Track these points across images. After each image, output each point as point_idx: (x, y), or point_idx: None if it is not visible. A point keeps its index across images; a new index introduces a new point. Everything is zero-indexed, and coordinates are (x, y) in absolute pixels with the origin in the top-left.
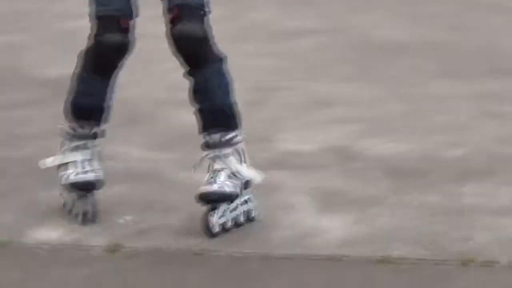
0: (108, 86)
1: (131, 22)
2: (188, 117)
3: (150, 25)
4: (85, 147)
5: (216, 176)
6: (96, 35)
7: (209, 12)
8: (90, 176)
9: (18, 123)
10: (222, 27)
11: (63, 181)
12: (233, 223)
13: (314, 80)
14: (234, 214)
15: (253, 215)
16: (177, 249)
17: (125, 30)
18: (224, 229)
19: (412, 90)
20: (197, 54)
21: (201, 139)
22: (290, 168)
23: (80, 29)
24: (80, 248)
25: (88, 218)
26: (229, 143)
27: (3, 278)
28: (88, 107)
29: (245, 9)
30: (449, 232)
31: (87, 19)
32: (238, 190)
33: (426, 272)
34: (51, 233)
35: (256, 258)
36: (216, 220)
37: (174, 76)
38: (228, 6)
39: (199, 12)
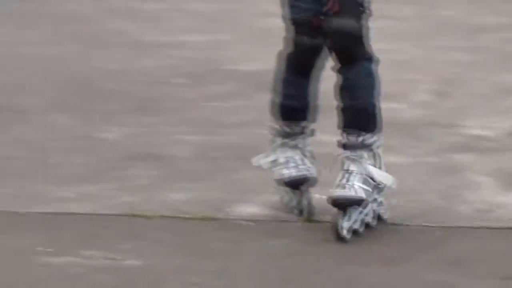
0: (312, 86)
1: (322, 20)
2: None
3: None
4: (295, 146)
5: (348, 178)
6: (292, 39)
7: (370, 13)
8: (302, 173)
9: (220, 113)
10: (412, 24)
11: (276, 177)
12: (362, 226)
13: (499, 71)
14: (363, 216)
15: (384, 217)
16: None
17: (318, 29)
18: (354, 233)
19: None
20: (351, 52)
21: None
22: (474, 151)
23: (273, 27)
24: (279, 221)
25: (304, 214)
26: (365, 146)
27: (213, 248)
28: (295, 108)
29: (434, 7)
30: None
31: (279, 18)
32: (369, 195)
33: None
34: (252, 208)
35: (439, 228)
36: (346, 224)
37: None
38: (418, 4)
39: (359, 8)
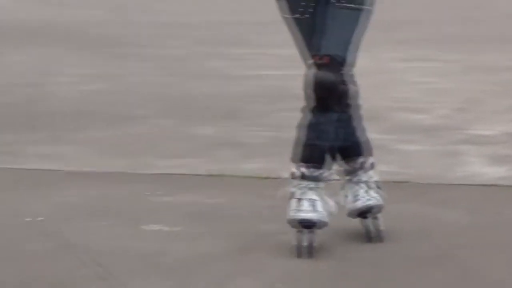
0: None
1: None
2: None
3: None
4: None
5: (368, 193)
6: (312, 77)
7: (352, 68)
8: (312, 216)
9: (287, 119)
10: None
11: (288, 216)
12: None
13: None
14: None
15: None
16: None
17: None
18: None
19: None
20: (329, 101)
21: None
22: (473, 144)
23: None
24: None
25: (302, 253)
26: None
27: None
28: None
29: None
30: None
31: None
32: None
33: None
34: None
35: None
36: (382, 227)
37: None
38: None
39: (343, 64)
